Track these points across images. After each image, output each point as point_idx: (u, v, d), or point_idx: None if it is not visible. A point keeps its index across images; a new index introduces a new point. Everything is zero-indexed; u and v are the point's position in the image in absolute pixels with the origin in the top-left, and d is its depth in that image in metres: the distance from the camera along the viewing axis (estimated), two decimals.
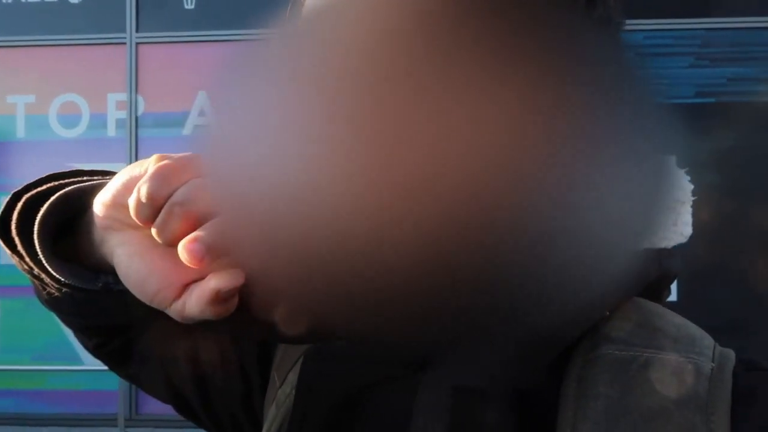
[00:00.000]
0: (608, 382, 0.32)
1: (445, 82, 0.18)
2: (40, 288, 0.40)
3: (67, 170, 0.40)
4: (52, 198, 0.37)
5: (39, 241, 0.36)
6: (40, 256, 0.36)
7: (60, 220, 0.38)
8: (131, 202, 0.31)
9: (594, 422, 0.31)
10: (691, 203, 0.38)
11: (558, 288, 0.20)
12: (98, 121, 3.14)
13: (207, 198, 0.30)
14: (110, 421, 3.02)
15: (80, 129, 3.13)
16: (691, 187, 0.38)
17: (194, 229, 0.29)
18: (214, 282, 0.29)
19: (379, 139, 0.18)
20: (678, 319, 0.36)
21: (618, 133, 0.19)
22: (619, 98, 0.20)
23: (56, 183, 0.39)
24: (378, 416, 0.36)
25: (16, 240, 0.38)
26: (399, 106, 0.18)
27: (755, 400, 0.31)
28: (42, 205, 0.37)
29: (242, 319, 0.32)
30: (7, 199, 0.40)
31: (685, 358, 0.32)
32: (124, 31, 3.09)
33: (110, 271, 0.35)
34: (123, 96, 3.10)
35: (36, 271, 0.38)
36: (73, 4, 3.11)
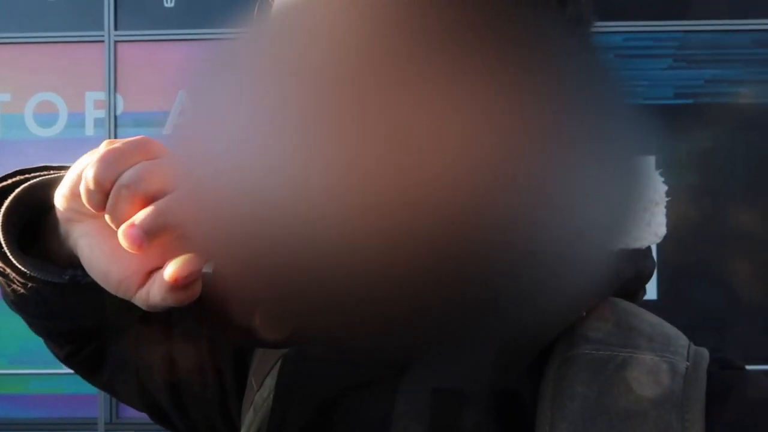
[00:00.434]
0: (585, 382, 0.32)
1: (414, 82, 0.18)
2: (6, 286, 0.39)
3: (35, 166, 0.40)
4: (17, 190, 0.37)
5: (3, 233, 0.35)
6: (4, 248, 0.35)
7: (25, 215, 0.37)
8: (81, 188, 0.31)
9: (571, 422, 0.31)
10: (665, 204, 0.38)
11: (535, 289, 0.20)
12: (76, 120, 3.09)
13: (154, 179, 0.29)
14: (90, 425, 2.99)
15: (57, 128, 3.08)
16: (665, 188, 0.38)
17: None
18: (171, 268, 0.29)
19: (350, 139, 0.18)
20: (653, 319, 0.36)
21: (590, 133, 0.19)
22: (591, 99, 0.20)
23: (22, 177, 0.39)
24: (357, 419, 0.36)
25: None
26: (368, 104, 0.18)
27: (729, 399, 0.32)
28: (5, 199, 0.36)
29: (218, 322, 0.31)
30: None
31: (661, 357, 0.33)
32: (102, 29, 3.05)
33: (78, 265, 0.34)
34: (101, 95, 3.06)
35: (0, 265, 0.37)
36: (50, 2, 3.06)
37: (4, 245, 0.35)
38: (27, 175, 0.39)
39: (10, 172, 0.40)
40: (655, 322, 0.36)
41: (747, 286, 2.94)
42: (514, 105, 0.18)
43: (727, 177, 3.00)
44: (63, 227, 0.34)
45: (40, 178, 0.38)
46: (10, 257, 0.36)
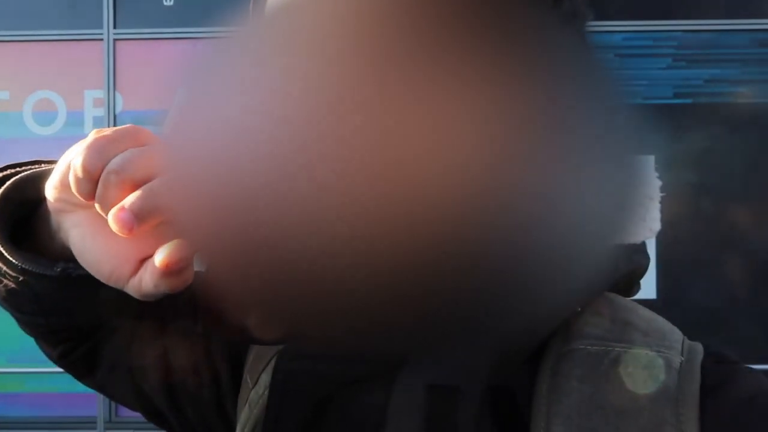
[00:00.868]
0: (581, 377, 0.32)
1: (411, 80, 0.18)
2: None
3: (25, 161, 0.40)
4: (6, 184, 0.37)
5: None
6: None
7: (16, 209, 0.37)
8: (70, 177, 0.30)
9: (566, 417, 0.31)
10: (659, 199, 0.38)
11: (532, 285, 0.20)
12: (75, 118, 3.09)
13: (143, 164, 0.29)
14: (89, 424, 2.98)
15: (56, 127, 3.08)
16: (660, 183, 0.38)
17: None
18: (162, 253, 0.29)
19: (346, 135, 0.18)
20: (648, 314, 0.36)
21: (587, 130, 0.19)
22: (588, 96, 0.20)
23: (12, 171, 0.38)
24: (353, 415, 0.36)
25: None
26: (362, 101, 0.18)
27: (723, 393, 0.32)
28: None
29: (212, 320, 0.31)
30: None
31: (656, 352, 0.33)
32: (101, 27, 3.04)
33: (70, 259, 0.34)
34: (100, 93, 3.06)
35: None
36: (49, 0, 3.06)
37: None
38: (17, 169, 0.39)
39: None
40: (649, 318, 0.36)
41: (746, 285, 2.94)
42: (511, 102, 0.18)
43: (726, 176, 3.00)
44: (54, 219, 0.34)
45: (30, 171, 0.38)
46: (1, 250, 0.36)
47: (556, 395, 0.32)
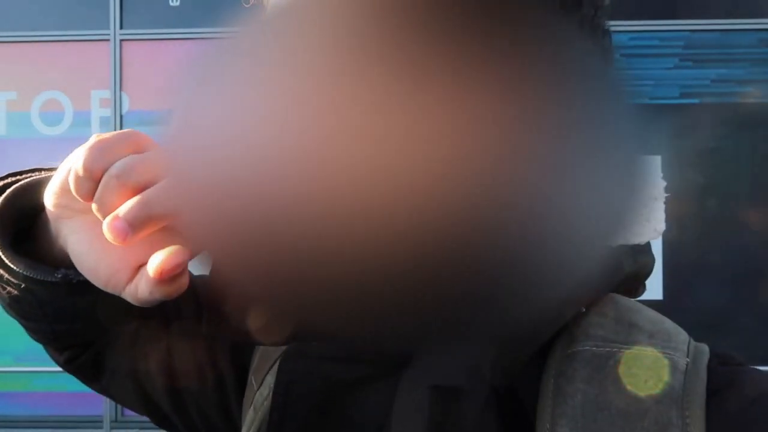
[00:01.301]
0: (586, 378, 0.32)
1: (416, 80, 0.18)
2: (1, 289, 0.39)
3: (26, 168, 0.40)
4: (7, 192, 0.37)
5: None
6: None
7: (18, 216, 0.37)
8: (70, 178, 0.31)
9: (571, 418, 0.31)
10: (664, 200, 0.38)
11: (534, 283, 0.20)
12: (82, 118, 3.10)
13: (144, 171, 0.30)
14: (95, 423, 3.00)
15: (63, 127, 3.10)
16: (665, 183, 0.38)
17: None
18: (156, 261, 0.29)
19: (348, 134, 0.18)
20: (653, 315, 0.36)
21: (592, 131, 0.19)
22: (593, 96, 0.20)
23: (13, 179, 0.39)
24: (357, 416, 0.36)
25: None
26: (365, 100, 0.18)
27: (729, 395, 0.31)
28: None
29: (217, 320, 0.31)
30: None
31: (661, 353, 0.33)
32: (107, 27, 3.06)
33: (71, 265, 0.34)
34: (107, 93, 3.07)
35: None
36: (56, 0, 3.07)
37: None
38: (18, 177, 0.39)
39: (1, 175, 0.40)
40: (655, 319, 0.36)
41: (753, 286, 2.92)
42: (514, 102, 0.18)
43: (733, 176, 2.98)
44: (53, 226, 0.34)
45: (31, 178, 0.38)
46: (2, 257, 0.36)
47: (561, 396, 0.32)
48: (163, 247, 0.30)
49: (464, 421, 0.32)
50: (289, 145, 0.19)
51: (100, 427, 3.00)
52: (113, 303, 0.39)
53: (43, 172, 0.39)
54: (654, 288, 2.75)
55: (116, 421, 3.00)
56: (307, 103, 0.18)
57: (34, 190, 0.37)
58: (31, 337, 0.44)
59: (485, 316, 0.22)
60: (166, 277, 0.29)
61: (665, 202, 0.38)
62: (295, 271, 0.20)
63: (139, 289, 0.31)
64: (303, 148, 0.18)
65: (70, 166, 0.31)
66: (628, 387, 0.31)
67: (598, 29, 0.34)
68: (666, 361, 0.32)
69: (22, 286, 0.37)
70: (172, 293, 0.30)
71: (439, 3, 0.19)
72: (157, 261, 0.29)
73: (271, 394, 0.39)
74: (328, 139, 0.18)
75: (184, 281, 0.30)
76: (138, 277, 0.31)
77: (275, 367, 0.40)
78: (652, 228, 0.37)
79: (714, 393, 0.31)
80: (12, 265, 0.36)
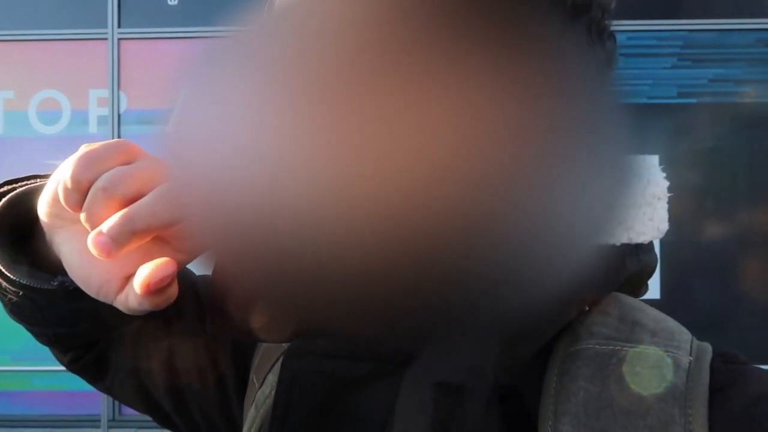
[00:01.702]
0: (588, 377, 0.32)
1: (415, 81, 0.18)
2: (2, 295, 0.39)
3: (22, 176, 0.40)
4: (3, 200, 0.38)
5: None
6: None
7: (15, 225, 0.38)
8: (59, 189, 0.31)
9: (574, 416, 0.31)
10: (667, 199, 0.38)
11: (533, 280, 0.20)
12: (79, 117, 3.10)
13: (131, 183, 0.30)
14: (93, 422, 2.99)
15: (61, 126, 3.09)
16: (668, 183, 0.38)
17: None
18: (142, 274, 0.30)
19: (350, 134, 0.18)
20: (656, 314, 0.36)
21: (581, 130, 0.20)
22: (588, 97, 0.20)
23: (9, 188, 0.39)
24: (359, 414, 0.36)
25: None
26: (367, 100, 0.18)
27: (732, 393, 0.32)
28: None
29: (220, 318, 0.31)
30: None
31: (664, 351, 0.33)
32: (105, 26, 3.05)
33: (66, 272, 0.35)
34: (105, 92, 3.07)
35: None
36: None
37: None
38: (14, 185, 0.40)
39: None
40: (658, 317, 0.36)
41: (751, 285, 2.93)
42: (509, 104, 0.18)
43: (731, 176, 2.99)
44: (47, 234, 0.35)
45: (27, 186, 0.38)
46: (0, 267, 0.36)
47: (563, 394, 0.32)
48: (152, 258, 0.30)
49: (467, 419, 0.32)
50: (290, 146, 0.19)
51: (98, 426, 3.00)
52: (112, 308, 0.39)
53: (38, 180, 0.40)
54: (652, 287, 2.75)
55: (114, 420, 3.00)
56: (309, 103, 0.19)
57: (30, 198, 0.37)
58: (36, 339, 0.45)
59: (486, 314, 0.22)
60: (154, 290, 0.30)
61: (667, 202, 0.38)
62: (296, 269, 0.20)
63: (129, 299, 0.31)
64: (305, 148, 0.19)
65: (60, 177, 0.32)
66: (631, 385, 0.31)
67: (604, 32, 0.34)
68: (669, 360, 0.32)
69: (21, 293, 0.37)
70: (161, 304, 0.31)
71: (445, 3, 0.19)
72: (143, 274, 0.30)
73: (272, 392, 0.39)
74: (330, 140, 0.18)
75: (173, 292, 0.31)
76: (128, 287, 0.31)
77: (277, 366, 0.40)
78: (655, 227, 0.37)
79: (717, 391, 0.31)
80: (9, 274, 0.37)
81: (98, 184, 0.30)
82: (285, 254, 0.20)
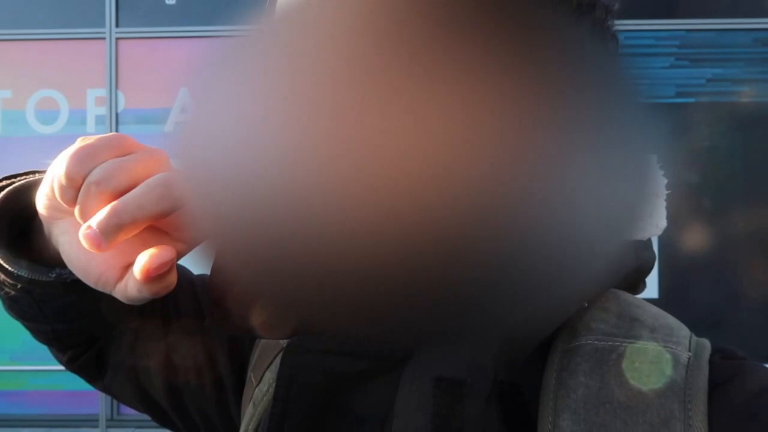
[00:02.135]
0: (588, 372, 0.32)
1: (423, 80, 0.18)
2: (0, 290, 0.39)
3: (21, 171, 0.41)
4: (1, 195, 0.38)
5: None
6: None
7: (14, 219, 0.38)
8: (54, 184, 0.31)
9: (574, 411, 0.31)
10: (665, 196, 0.38)
11: (540, 280, 0.20)
12: (77, 117, 3.09)
13: (123, 176, 0.30)
14: (91, 421, 2.99)
15: (58, 125, 3.08)
16: (666, 180, 0.38)
17: None
18: (141, 261, 0.30)
19: (355, 133, 0.18)
20: (654, 310, 0.36)
21: (599, 129, 0.20)
22: (600, 95, 0.20)
23: (8, 182, 0.40)
24: (360, 409, 0.36)
25: None
26: (373, 99, 0.18)
27: (731, 388, 0.32)
28: None
29: (220, 314, 0.31)
30: None
31: (663, 347, 0.33)
32: (103, 26, 3.05)
33: (65, 264, 0.35)
34: (102, 92, 3.06)
35: None
36: None
37: None
38: (12, 180, 0.40)
39: None
40: (656, 314, 0.36)
41: (748, 283, 2.94)
42: (527, 100, 0.18)
43: (728, 176, 2.99)
44: (46, 227, 0.35)
45: (25, 180, 0.38)
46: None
47: (563, 390, 0.32)
48: (150, 247, 0.30)
49: (467, 414, 0.32)
50: (294, 142, 0.19)
51: (97, 426, 2.99)
52: (113, 300, 0.39)
53: (36, 175, 0.40)
54: (650, 286, 2.76)
55: (112, 419, 3.00)
56: (314, 100, 0.19)
57: (29, 192, 0.37)
58: (34, 337, 0.45)
59: (490, 313, 0.22)
60: (153, 276, 0.30)
61: (665, 199, 0.38)
62: (297, 266, 0.20)
63: (128, 288, 0.32)
64: (308, 144, 0.19)
65: (55, 172, 0.32)
66: (631, 381, 0.31)
67: (607, 32, 0.34)
68: (668, 355, 0.32)
69: (19, 286, 0.37)
70: (161, 291, 0.31)
71: (452, 2, 0.19)
72: (142, 261, 0.30)
73: (270, 389, 0.39)
74: (334, 137, 0.18)
75: (172, 279, 0.31)
76: (128, 275, 0.32)
77: (274, 363, 0.40)
78: (654, 224, 0.37)
79: (716, 386, 0.31)
80: (8, 266, 0.37)
81: (91, 178, 0.30)
82: (286, 251, 0.20)
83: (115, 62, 3.05)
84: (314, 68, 0.19)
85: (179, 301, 0.48)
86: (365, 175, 0.18)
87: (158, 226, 0.32)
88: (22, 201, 0.38)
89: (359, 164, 0.18)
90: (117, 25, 3.06)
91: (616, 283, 0.37)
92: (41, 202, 0.34)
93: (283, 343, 0.40)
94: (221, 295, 0.31)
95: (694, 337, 0.34)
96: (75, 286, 0.36)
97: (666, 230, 0.38)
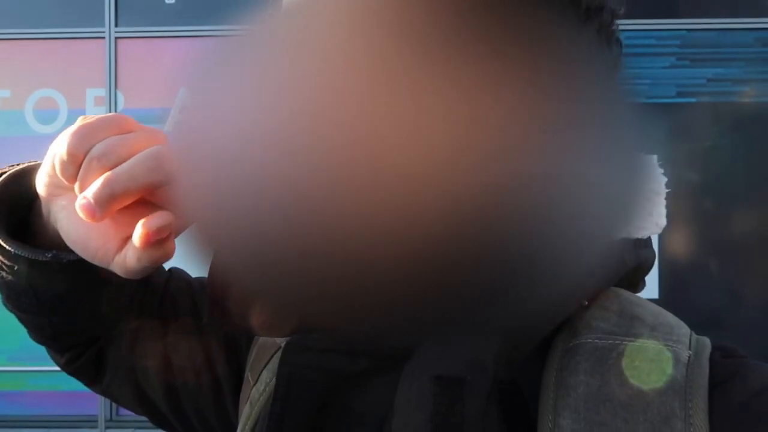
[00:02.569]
0: (588, 371, 0.32)
1: (425, 79, 0.18)
2: None
3: (21, 162, 0.41)
4: (2, 176, 0.38)
5: None
6: None
7: (12, 205, 0.38)
8: (56, 161, 0.32)
9: (574, 410, 0.31)
10: (665, 195, 0.38)
11: (541, 275, 0.20)
12: (76, 116, 3.06)
13: (123, 152, 0.31)
14: (90, 422, 2.99)
15: (58, 125, 3.08)
16: (666, 179, 0.38)
17: None
18: (142, 225, 0.30)
19: (357, 130, 0.18)
20: (655, 308, 0.36)
21: (597, 129, 0.19)
22: (599, 96, 0.20)
23: (10, 168, 0.40)
24: (360, 408, 0.36)
25: None
26: (376, 98, 0.18)
27: (732, 386, 0.31)
28: None
29: (221, 313, 0.31)
30: None
31: (663, 345, 0.33)
32: (102, 25, 3.05)
33: (64, 248, 0.35)
34: (102, 91, 3.06)
35: None
36: None
37: None
38: (14, 165, 0.41)
39: None
40: (657, 312, 0.36)
41: (749, 284, 2.94)
42: (523, 103, 0.18)
43: (729, 175, 2.99)
44: (45, 207, 0.36)
45: (25, 164, 0.39)
46: None
47: (563, 388, 0.31)
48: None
49: (467, 412, 0.32)
50: (295, 137, 0.19)
51: (96, 427, 2.99)
52: (111, 296, 0.39)
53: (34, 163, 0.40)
54: (650, 286, 2.76)
55: (111, 420, 3.00)
56: (319, 94, 0.18)
57: (28, 176, 0.38)
58: (32, 337, 0.44)
59: (492, 311, 0.22)
60: (152, 240, 0.30)
61: (665, 198, 0.38)
62: (299, 263, 0.20)
63: (128, 258, 0.32)
64: (309, 140, 0.18)
65: (56, 150, 0.33)
66: (631, 379, 0.31)
67: (612, 36, 0.34)
68: (669, 354, 0.32)
69: (15, 267, 0.37)
70: (159, 259, 0.31)
71: (459, 3, 0.19)
72: (143, 224, 0.31)
73: (267, 389, 0.39)
74: (334, 132, 0.18)
75: (171, 247, 0.32)
76: (126, 247, 0.32)
77: (271, 363, 0.40)
78: (654, 222, 0.37)
79: (717, 384, 0.31)
80: (5, 245, 0.37)
81: (91, 154, 0.31)
82: (287, 249, 0.19)
83: (114, 62, 3.06)
84: (321, 63, 0.18)
85: (177, 302, 0.48)
86: (369, 170, 0.18)
87: (156, 202, 0.33)
88: (22, 185, 0.38)
89: (364, 159, 0.18)
90: (116, 25, 3.06)
91: (616, 281, 0.37)
92: (42, 181, 0.35)
93: (280, 342, 0.40)
94: (220, 294, 0.31)
95: (694, 335, 0.34)
96: (71, 268, 0.36)
97: (667, 230, 0.38)
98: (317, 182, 0.18)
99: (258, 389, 0.41)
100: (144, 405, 0.49)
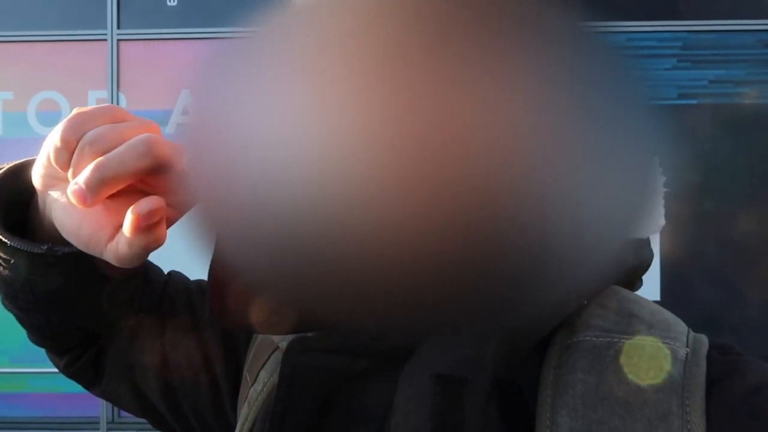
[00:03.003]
0: (586, 368, 0.32)
1: (433, 76, 0.18)
2: None
3: (23, 159, 0.42)
4: (2, 171, 0.39)
5: None
6: None
7: (10, 200, 0.39)
8: (50, 148, 0.33)
9: (572, 408, 0.31)
10: (662, 194, 0.38)
11: (543, 278, 0.20)
12: None
13: (116, 138, 0.31)
14: (92, 424, 2.99)
15: None
16: (664, 178, 0.38)
17: None
18: (132, 209, 0.31)
19: (367, 126, 0.18)
20: (652, 306, 0.36)
21: (606, 129, 0.19)
22: (607, 94, 0.20)
23: (8, 165, 0.41)
24: (360, 408, 0.36)
25: None
26: (385, 96, 0.18)
27: (729, 383, 0.31)
28: None
29: (222, 311, 0.31)
30: None
31: (661, 342, 0.33)
32: (105, 27, 3.06)
33: (61, 241, 0.36)
34: (104, 93, 3.07)
35: None
36: (53, 0, 3.07)
37: None
38: (12, 162, 0.41)
39: None
40: (654, 310, 0.36)
41: (750, 284, 2.93)
42: (531, 100, 0.18)
43: (731, 177, 2.99)
44: (41, 199, 0.36)
45: (20, 161, 0.40)
46: None
47: (561, 386, 0.31)
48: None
49: (467, 411, 0.32)
50: (301, 136, 0.19)
51: (97, 429, 2.99)
52: (110, 292, 0.39)
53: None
54: (652, 287, 2.75)
55: (113, 422, 3.00)
56: (328, 92, 0.18)
57: (24, 172, 0.38)
58: (31, 338, 0.45)
59: (495, 313, 0.22)
60: (143, 225, 0.31)
61: (663, 198, 0.38)
62: (303, 259, 0.20)
63: (120, 245, 0.32)
64: (314, 139, 0.18)
65: (51, 140, 0.33)
66: (629, 376, 0.31)
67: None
68: (666, 351, 0.32)
69: (12, 261, 0.38)
70: (151, 244, 0.32)
71: (467, 2, 0.19)
72: (134, 209, 0.31)
73: (264, 389, 0.39)
74: (340, 131, 0.18)
75: (162, 233, 0.32)
76: (119, 235, 0.33)
77: (268, 363, 0.41)
78: (653, 222, 0.37)
79: (714, 382, 0.31)
80: (1, 237, 0.38)
81: (84, 140, 0.32)
82: (289, 246, 0.19)
83: (116, 64, 3.06)
84: (331, 62, 0.18)
85: (176, 302, 0.48)
86: (374, 168, 0.18)
87: (149, 191, 0.33)
88: (20, 182, 0.39)
89: (369, 157, 0.18)
90: (118, 27, 3.07)
91: (615, 280, 0.37)
92: (37, 172, 0.35)
93: (278, 342, 0.40)
94: (221, 290, 0.31)
95: (692, 333, 0.34)
96: (67, 262, 0.37)
97: (668, 231, 0.38)
98: (323, 180, 0.18)
99: (256, 389, 0.41)
100: (143, 406, 0.49)
